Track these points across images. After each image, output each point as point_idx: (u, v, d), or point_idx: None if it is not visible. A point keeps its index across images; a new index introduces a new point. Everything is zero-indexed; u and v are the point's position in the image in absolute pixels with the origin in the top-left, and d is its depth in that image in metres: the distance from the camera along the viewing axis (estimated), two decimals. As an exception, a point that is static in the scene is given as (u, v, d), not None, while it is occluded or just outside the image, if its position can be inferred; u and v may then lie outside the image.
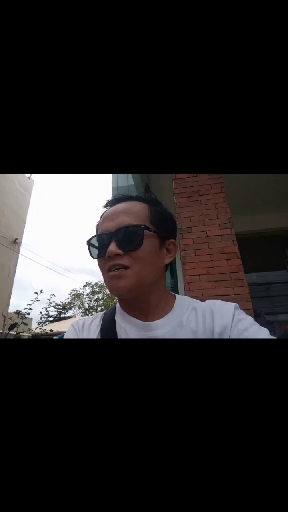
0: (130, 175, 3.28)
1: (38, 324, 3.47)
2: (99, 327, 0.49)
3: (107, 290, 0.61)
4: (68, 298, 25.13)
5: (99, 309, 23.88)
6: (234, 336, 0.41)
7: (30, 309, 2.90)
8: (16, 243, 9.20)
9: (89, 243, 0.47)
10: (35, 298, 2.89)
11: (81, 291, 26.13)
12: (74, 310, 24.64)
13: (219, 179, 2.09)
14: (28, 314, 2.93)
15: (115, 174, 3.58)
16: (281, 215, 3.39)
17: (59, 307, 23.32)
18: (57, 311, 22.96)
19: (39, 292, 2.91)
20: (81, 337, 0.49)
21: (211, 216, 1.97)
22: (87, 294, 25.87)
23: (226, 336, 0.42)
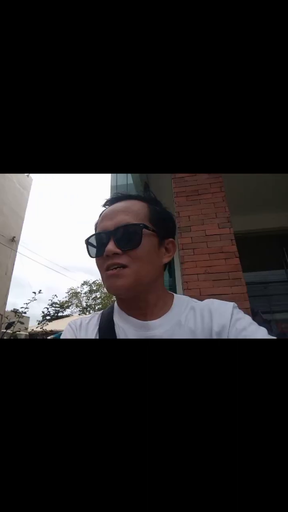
0: (129, 174, 3.28)
1: (39, 323, 3.46)
2: (97, 327, 0.49)
3: (105, 289, 0.61)
4: (65, 297, 25.13)
5: (96, 307, 23.88)
6: (232, 336, 0.41)
7: (27, 308, 2.89)
8: (14, 241, 9.15)
9: (87, 242, 0.47)
10: (33, 297, 2.88)
11: (78, 290, 26.14)
12: (72, 309, 24.64)
13: (219, 178, 2.09)
14: (25, 313, 2.91)
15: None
16: (279, 214, 3.40)
17: (57, 305, 23.29)
18: (55, 310, 22.94)
19: (37, 292, 2.90)
20: (78, 336, 0.49)
21: (210, 215, 1.98)
22: (85, 293, 25.87)
23: (224, 336, 0.42)
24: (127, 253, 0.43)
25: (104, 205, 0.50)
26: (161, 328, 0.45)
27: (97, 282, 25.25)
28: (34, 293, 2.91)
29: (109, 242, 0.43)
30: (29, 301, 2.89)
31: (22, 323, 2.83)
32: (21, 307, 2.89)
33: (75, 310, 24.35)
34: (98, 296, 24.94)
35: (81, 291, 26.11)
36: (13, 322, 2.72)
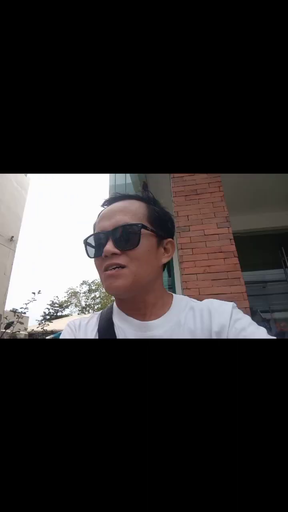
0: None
1: (40, 324, 3.44)
2: (96, 327, 0.49)
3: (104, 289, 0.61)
4: (64, 296, 25.11)
5: (96, 307, 23.88)
6: (231, 336, 0.41)
7: (26, 308, 2.87)
8: (12, 240, 9.12)
9: (85, 242, 0.47)
10: (32, 298, 2.87)
11: (77, 289, 26.11)
12: (71, 308, 24.62)
13: (217, 178, 2.09)
14: (25, 313, 2.90)
15: (113, 172, 3.55)
16: (278, 214, 3.41)
17: (56, 305, 23.25)
18: (54, 309, 22.90)
19: (36, 293, 2.88)
20: (78, 337, 0.49)
21: (208, 215, 1.98)
22: (84, 292, 25.84)
23: (224, 336, 0.42)
24: (125, 253, 0.42)
25: (103, 205, 0.50)
26: (161, 328, 0.45)
27: (96, 281, 25.25)
28: (34, 293, 2.89)
29: (107, 242, 0.43)
30: (29, 301, 2.88)
31: (22, 323, 2.82)
32: (21, 308, 2.88)
33: (74, 310, 24.36)
34: (97, 296, 24.94)
35: (80, 290, 26.13)
36: (12, 322, 2.71)
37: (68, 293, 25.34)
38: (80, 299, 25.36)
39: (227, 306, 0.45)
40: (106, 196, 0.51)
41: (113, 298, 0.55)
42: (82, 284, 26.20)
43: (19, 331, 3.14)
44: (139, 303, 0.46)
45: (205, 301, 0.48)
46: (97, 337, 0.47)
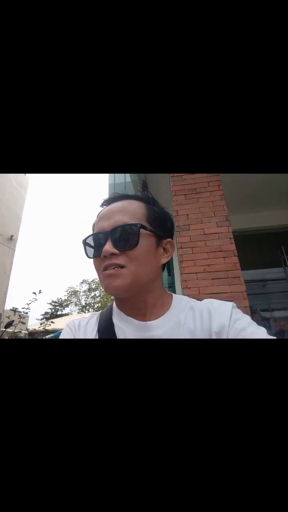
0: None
1: (41, 323, 3.44)
2: (96, 327, 0.49)
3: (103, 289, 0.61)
4: (64, 295, 25.12)
5: (95, 306, 23.90)
6: (231, 336, 0.41)
7: (28, 308, 2.87)
8: (12, 240, 9.11)
9: (85, 242, 0.47)
10: (34, 298, 2.86)
11: (77, 288, 26.12)
12: (71, 307, 24.64)
13: (217, 177, 2.09)
14: (26, 313, 2.89)
15: (112, 171, 3.54)
16: (278, 212, 3.41)
17: (56, 304, 23.27)
18: (54, 308, 22.91)
19: (37, 292, 2.88)
20: (77, 337, 0.49)
21: (208, 214, 1.98)
22: (84, 291, 25.86)
23: (223, 336, 0.41)
24: (124, 253, 0.42)
25: (102, 205, 0.50)
26: (160, 328, 0.45)
27: (96, 280, 25.24)
28: (34, 293, 2.88)
29: (106, 243, 0.43)
30: (30, 301, 2.87)
31: (23, 323, 2.81)
32: (23, 308, 2.87)
33: (74, 309, 24.38)
34: (97, 295, 24.95)
35: (80, 289, 26.15)
36: (13, 321, 2.70)
37: (68, 292, 25.39)
38: (80, 298, 25.41)
39: (227, 306, 0.45)
40: (106, 195, 0.51)
41: (112, 297, 0.54)
42: (82, 283, 26.24)
43: (20, 331, 3.14)
44: (139, 303, 0.46)
45: (205, 301, 0.48)
46: (97, 337, 0.47)
